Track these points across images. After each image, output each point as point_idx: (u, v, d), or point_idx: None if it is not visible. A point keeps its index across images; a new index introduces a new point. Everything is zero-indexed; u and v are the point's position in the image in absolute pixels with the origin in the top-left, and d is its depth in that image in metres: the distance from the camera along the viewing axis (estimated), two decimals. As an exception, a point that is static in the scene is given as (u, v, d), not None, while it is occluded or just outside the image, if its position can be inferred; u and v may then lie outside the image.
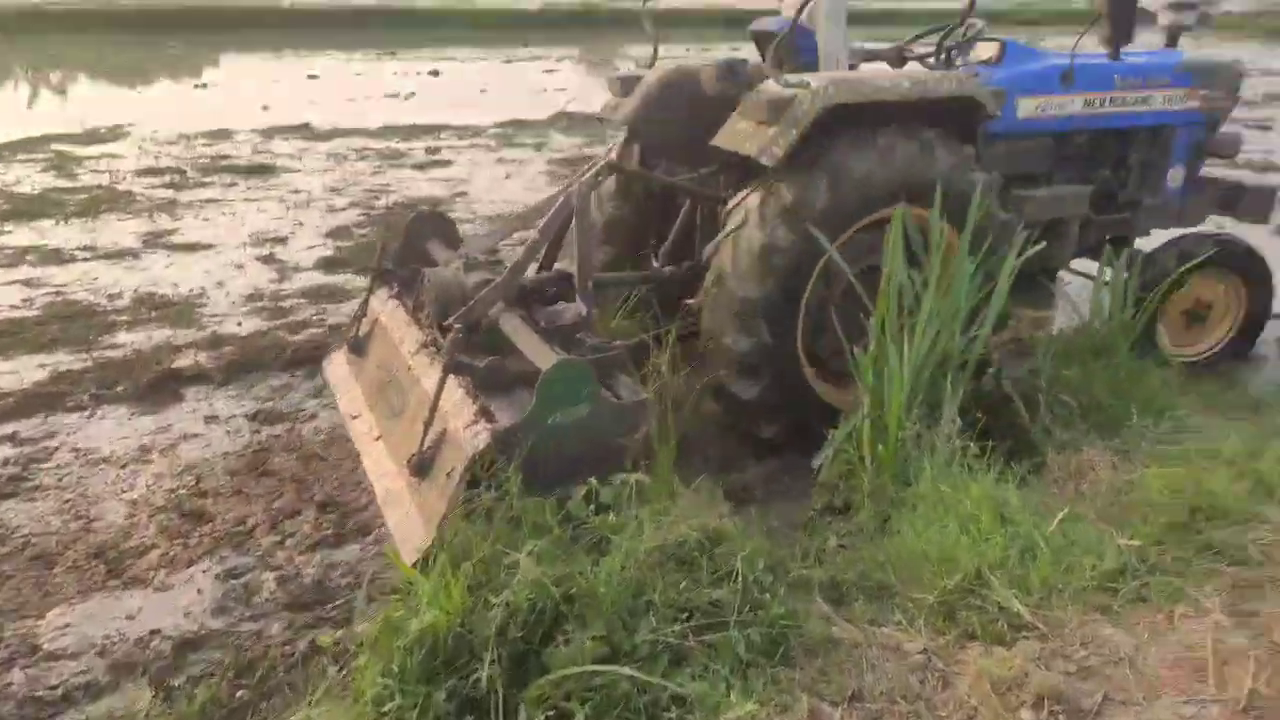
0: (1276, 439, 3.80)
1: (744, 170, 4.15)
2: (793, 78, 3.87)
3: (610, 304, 4.91)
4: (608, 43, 24.05)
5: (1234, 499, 3.15)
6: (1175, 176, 5.23)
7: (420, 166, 10.23)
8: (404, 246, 4.65)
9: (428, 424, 3.33)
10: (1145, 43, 5.36)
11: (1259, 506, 3.16)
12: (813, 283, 4.00)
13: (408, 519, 3.30)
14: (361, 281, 6.04)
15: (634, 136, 4.69)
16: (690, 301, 4.33)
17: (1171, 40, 5.37)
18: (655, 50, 4.81)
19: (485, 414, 3.25)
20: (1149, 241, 5.28)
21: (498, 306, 3.82)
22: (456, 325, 3.58)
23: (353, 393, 4.34)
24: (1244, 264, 5.13)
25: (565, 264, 4.39)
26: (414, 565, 2.91)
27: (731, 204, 4.09)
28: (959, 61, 4.62)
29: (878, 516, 3.53)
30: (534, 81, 16.68)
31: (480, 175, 9.85)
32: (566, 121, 12.81)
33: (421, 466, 3.34)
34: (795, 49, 4.15)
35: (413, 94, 15.24)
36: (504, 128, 12.31)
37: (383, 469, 3.68)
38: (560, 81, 16.75)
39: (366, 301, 4.58)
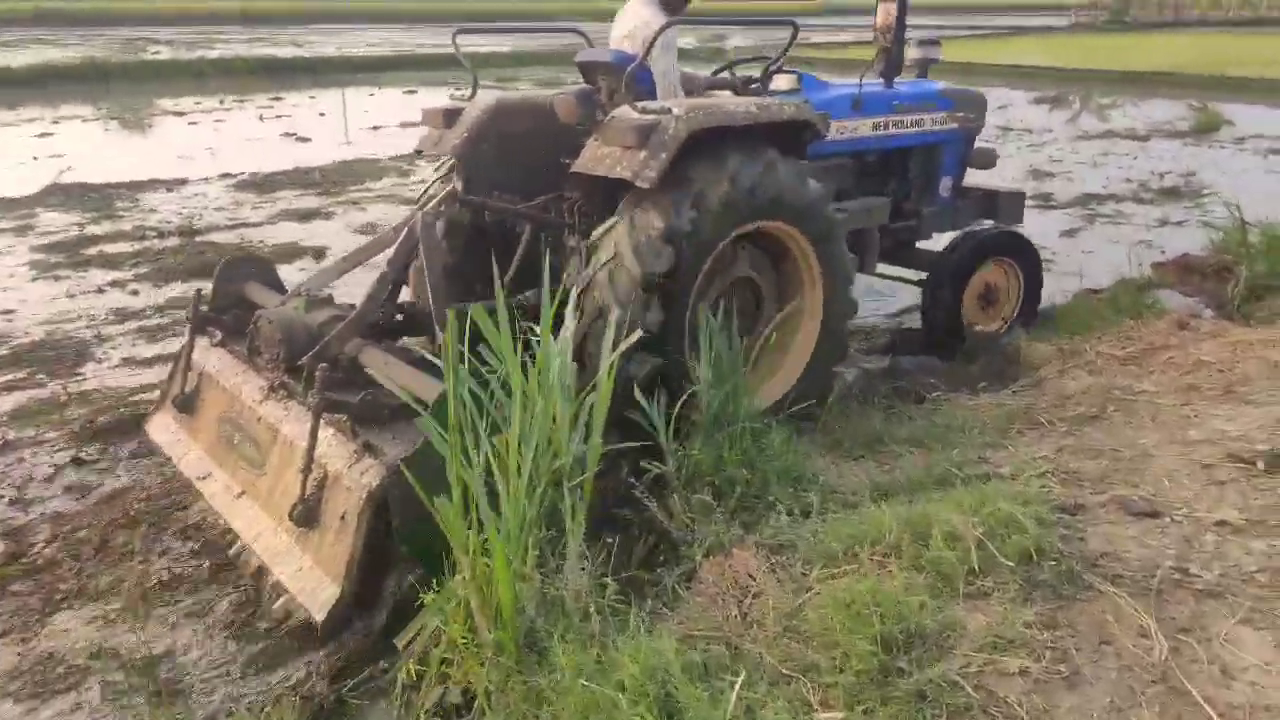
0: (923, 495, 3.41)
1: (592, 196, 4.34)
2: (650, 105, 4.02)
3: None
4: (127, 98, 20.89)
5: (921, 609, 2.57)
6: (946, 187, 6.00)
7: None
8: (219, 292, 4.48)
9: (306, 470, 3.21)
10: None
11: (947, 609, 2.62)
12: (694, 294, 4.08)
13: (306, 573, 3.16)
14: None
15: (460, 168, 4.72)
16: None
17: (922, 71, 6.04)
18: (475, 83, 4.93)
19: (370, 449, 3.17)
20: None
21: (354, 342, 3.77)
22: (320, 364, 3.40)
23: (193, 453, 4.07)
24: (1017, 250, 5.94)
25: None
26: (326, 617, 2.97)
27: (602, 229, 4.02)
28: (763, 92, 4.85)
29: (508, 724, 2.56)
30: (21, 150, 13.69)
31: (-70, 276, 7.48)
32: (62, 196, 10.43)
33: (307, 516, 3.22)
34: (631, 79, 4.29)
35: None
36: (-28, 209, 9.71)
37: (257, 526, 3.47)
38: (58, 147, 13.92)
39: (187, 355, 4.29)
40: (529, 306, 4.43)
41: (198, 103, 19.83)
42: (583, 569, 2.84)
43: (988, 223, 6.18)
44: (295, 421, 3.46)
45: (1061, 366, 5.16)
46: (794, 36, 4.48)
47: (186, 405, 4.21)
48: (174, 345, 6.09)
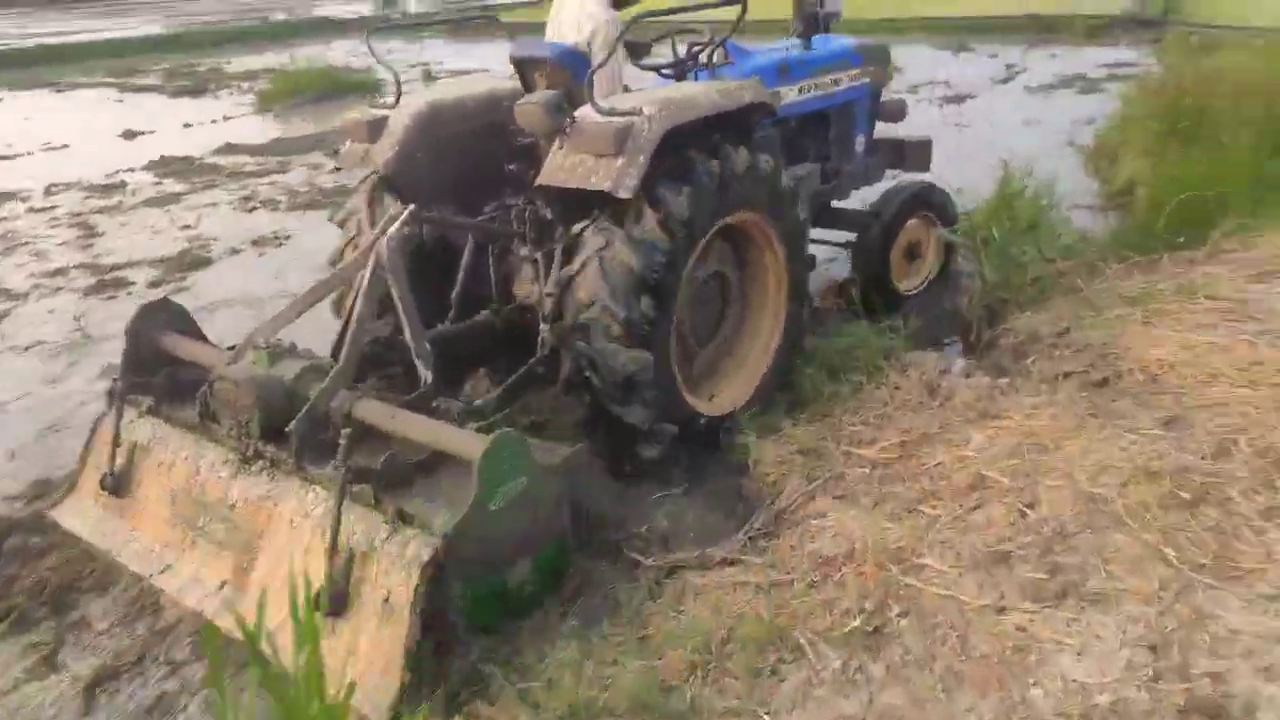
0: None
1: (550, 204, 4.08)
2: (616, 105, 3.81)
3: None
4: None
5: None
6: (860, 143, 5.88)
7: None
8: (136, 350, 3.91)
9: (332, 550, 2.91)
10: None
11: None
12: (680, 295, 4.02)
13: (349, 669, 2.77)
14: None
15: (393, 182, 4.39)
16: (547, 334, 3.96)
17: (824, 27, 5.61)
18: (398, 89, 4.54)
19: (404, 518, 2.94)
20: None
21: (340, 395, 3.36)
22: (345, 429, 3.17)
23: (137, 543, 3.61)
24: (936, 202, 5.90)
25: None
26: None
27: (580, 229, 3.91)
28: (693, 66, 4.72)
29: None
30: None
31: None
32: None
33: (338, 602, 2.88)
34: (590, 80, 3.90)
35: None
36: None
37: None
38: None
39: (115, 427, 3.75)
40: (486, 327, 4.38)
41: None
42: None
43: (900, 174, 6.15)
44: (291, 496, 3.22)
45: (806, 486, 3.83)
46: (744, 11, 4.17)
47: (117, 487, 3.72)
48: None
